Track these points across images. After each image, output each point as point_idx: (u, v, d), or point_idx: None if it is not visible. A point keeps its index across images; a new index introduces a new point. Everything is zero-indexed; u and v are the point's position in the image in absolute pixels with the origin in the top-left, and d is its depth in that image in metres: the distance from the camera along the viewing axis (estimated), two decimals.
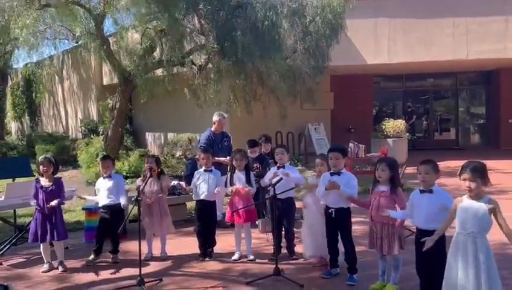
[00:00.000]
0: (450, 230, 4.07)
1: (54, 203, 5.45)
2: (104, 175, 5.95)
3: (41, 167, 5.56)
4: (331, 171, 5.03)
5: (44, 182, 5.56)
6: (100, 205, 5.95)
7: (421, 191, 4.23)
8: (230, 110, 10.94)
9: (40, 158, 5.75)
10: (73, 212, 8.11)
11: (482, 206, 3.61)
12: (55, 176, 5.67)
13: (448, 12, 13.42)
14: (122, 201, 5.85)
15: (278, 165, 5.77)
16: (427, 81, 18.33)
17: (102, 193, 5.91)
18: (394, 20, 13.63)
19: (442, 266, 3.99)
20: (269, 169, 6.10)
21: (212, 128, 7.54)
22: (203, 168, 5.98)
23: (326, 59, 11.39)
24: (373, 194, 4.66)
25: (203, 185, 5.87)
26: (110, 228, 5.80)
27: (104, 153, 12.26)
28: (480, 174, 3.66)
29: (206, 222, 5.94)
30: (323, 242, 5.17)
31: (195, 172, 6.09)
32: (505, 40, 13.28)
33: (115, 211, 5.84)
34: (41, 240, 5.51)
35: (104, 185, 5.91)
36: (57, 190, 5.56)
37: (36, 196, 5.52)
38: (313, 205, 5.36)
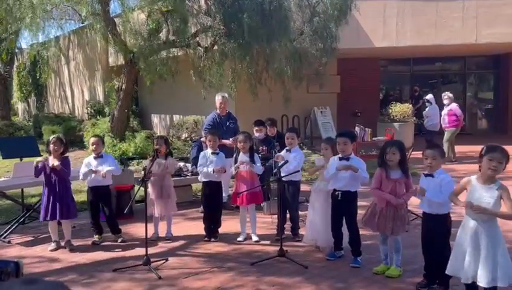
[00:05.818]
0: (456, 213, 4.07)
1: (56, 163, 5.44)
2: (95, 155, 5.87)
3: (52, 145, 5.57)
4: (340, 156, 5.02)
5: (52, 161, 5.59)
6: (88, 185, 5.91)
7: (426, 175, 4.25)
8: (236, 93, 10.89)
9: (51, 137, 5.74)
10: (79, 193, 8.17)
11: (494, 192, 3.60)
12: (64, 156, 5.70)
13: None
14: (110, 168, 5.77)
15: (286, 148, 5.78)
16: (435, 65, 18.12)
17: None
18: (403, 3, 13.42)
19: (446, 246, 4.02)
20: (275, 152, 6.11)
21: (217, 111, 7.53)
22: (210, 150, 5.98)
23: (334, 41, 11.26)
24: (388, 180, 4.54)
25: (210, 167, 5.88)
26: (100, 210, 5.90)
27: (111, 134, 12.35)
28: (507, 159, 3.64)
29: (212, 206, 5.97)
30: (323, 231, 5.19)
31: (201, 154, 6.10)
32: None
33: (101, 193, 5.88)
34: (51, 218, 5.57)
35: (94, 164, 5.82)
36: (64, 168, 5.58)
37: (43, 170, 5.54)
38: (321, 191, 5.33)
